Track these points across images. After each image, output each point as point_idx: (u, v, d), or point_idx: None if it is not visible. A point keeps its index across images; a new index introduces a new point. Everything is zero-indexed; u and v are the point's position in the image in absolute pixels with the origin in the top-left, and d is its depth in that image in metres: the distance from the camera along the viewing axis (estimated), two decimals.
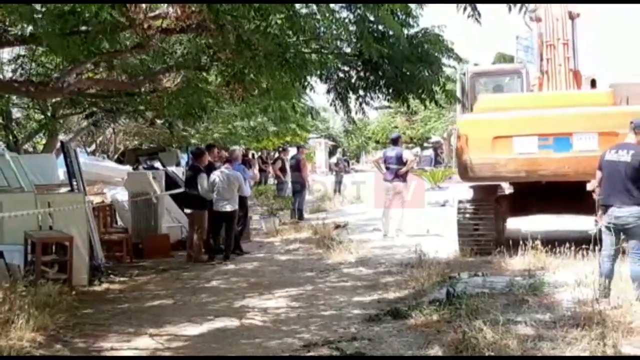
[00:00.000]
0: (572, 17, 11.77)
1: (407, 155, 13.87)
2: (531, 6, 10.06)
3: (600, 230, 7.48)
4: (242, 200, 12.18)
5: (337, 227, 14.90)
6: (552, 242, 9.26)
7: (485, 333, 5.76)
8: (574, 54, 11.43)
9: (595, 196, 7.63)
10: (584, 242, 8.38)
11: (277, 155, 23.46)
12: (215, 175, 11.55)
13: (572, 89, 10.89)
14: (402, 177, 13.41)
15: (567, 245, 8.89)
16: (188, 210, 12.03)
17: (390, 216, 13.46)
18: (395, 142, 14.11)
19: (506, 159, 9.56)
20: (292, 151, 20.33)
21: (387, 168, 13.48)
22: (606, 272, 7.14)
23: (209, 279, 10.04)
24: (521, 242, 9.39)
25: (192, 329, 7.18)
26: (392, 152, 13.61)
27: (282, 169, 19.75)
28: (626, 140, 7.25)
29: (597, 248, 7.68)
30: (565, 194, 10.21)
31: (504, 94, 12.04)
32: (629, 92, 11.17)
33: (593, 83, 11.90)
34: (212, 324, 7.36)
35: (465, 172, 9.98)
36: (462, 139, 9.94)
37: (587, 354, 5.43)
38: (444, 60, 9.03)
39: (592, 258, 7.85)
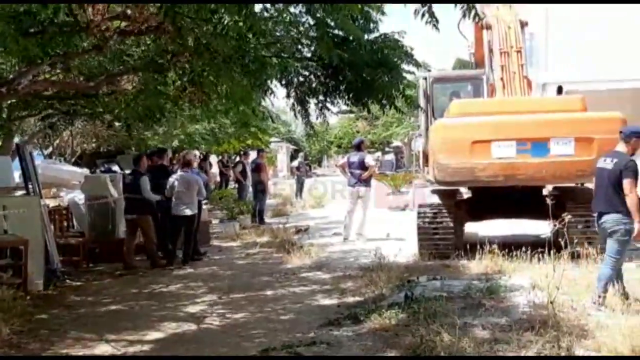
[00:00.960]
0: (522, 25, 12.00)
1: (369, 160, 13.94)
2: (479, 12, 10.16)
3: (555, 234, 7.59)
4: (198, 204, 12.07)
5: (298, 231, 14.91)
6: (509, 246, 9.38)
7: (442, 336, 5.81)
8: (525, 61, 11.63)
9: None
10: (539, 246, 8.49)
11: (237, 158, 23.34)
12: (174, 179, 11.45)
13: (526, 96, 11.07)
14: (365, 182, 13.48)
15: (523, 249, 9.03)
16: (128, 217, 11.55)
17: (352, 220, 13.51)
18: (358, 147, 14.17)
19: (485, 163, 9.62)
20: (253, 155, 20.24)
21: (351, 173, 13.55)
22: (612, 277, 7.19)
23: (167, 283, 9.93)
24: (479, 246, 9.50)
25: (150, 334, 7.10)
26: (355, 157, 13.70)
27: (243, 173, 19.67)
28: (617, 148, 7.35)
29: (552, 252, 7.82)
30: (522, 199, 10.35)
31: (479, 98, 12.17)
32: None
33: (559, 90, 12.11)
34: (169, 329, 7.29)
35: (442, 176, 9.97)
36: (439, 143, 9.95)
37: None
38: (404, 65, 9.07)
39: (547, 261, 7.95)
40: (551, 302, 6.01)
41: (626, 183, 6.91)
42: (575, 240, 7.99)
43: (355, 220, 13.46)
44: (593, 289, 7.46)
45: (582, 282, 7.80)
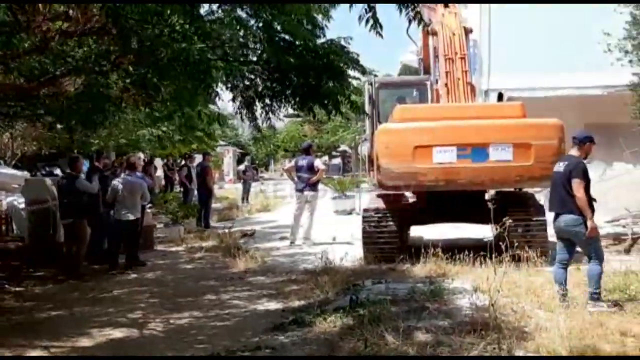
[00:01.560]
0: (467, 32, 12.21)
1: (318, 164, 13.95)
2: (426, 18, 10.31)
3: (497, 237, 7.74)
4: (142, 208, 11.88)
5: (244, 235, 14.85)
6: (452, 250, 9.52)
7: (386, 340, 5.86)
8: (469, 67, 11.84)
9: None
10: (481, 250, 8.64)
11: (183, 162, 23.10)
12: (117, 183, 11.25)
13: (469, 102, 11.26)
14: (313, 186, 13.50)
15: (466, 252, 9.18)
16: (64, 221, 11.20)
17: (299, 224, 13.51)
18: (306, 151, 14.16)
19: (426, 168, 9.72)
20: (199, 158, 20.07)
21: (299, 177, 13.53)
22: (559, 278, 7.41)
23: (109, 289, 9.76)
24: (423, 250, 9.62)
25: (90, 341, 6.98)
26: (303, 161, 13.69)
27: (188, 176, 19.47)
28: (570, 152, 7.56)
29: (493, 255, 7.98)
30: (465, 204, 10.51)
31: (422, 104, 12.30)
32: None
33: (500, 97, 12.35)
34: (110, 336, 7.17)
35: (386, 180, 10.05)
36: (382, 148, 10.00)
37: None
38: (350, 71, 9.11)
39: (489, 265, 8.08)
40: (492, 305, 6.11)
41: (574, 183, 7.14)
42: (516, 244, 8.16)
43: (302, 224, 13.47)
44: (533, 291, 7.67)
45: (522, 284, 7.96)
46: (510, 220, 7.07)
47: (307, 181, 13.41)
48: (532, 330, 6.26)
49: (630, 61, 11.69)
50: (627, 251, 10.85)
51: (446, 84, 11.32)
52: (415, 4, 5.80)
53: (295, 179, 13.68)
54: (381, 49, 61.34)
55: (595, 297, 7.14)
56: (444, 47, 11.61)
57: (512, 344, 5.75)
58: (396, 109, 10.84)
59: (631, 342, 5.98)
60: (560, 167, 7.42)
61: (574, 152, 7.50)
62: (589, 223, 7.14)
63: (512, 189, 10.71)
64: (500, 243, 6.69)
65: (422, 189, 10.27)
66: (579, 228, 7.19)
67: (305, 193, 13.42)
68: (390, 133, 10.18)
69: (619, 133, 16.32)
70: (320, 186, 14.85)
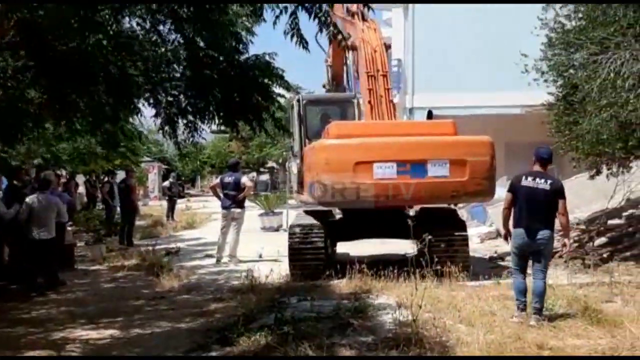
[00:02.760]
0: (386, 47, 12.37)
1: (245, 181, 13.83)
2: (345, 33, 10.42)
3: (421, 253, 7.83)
4: (61, 226, 11.52)
5: (168, 253, 14.60)
6: (378, 265, 9.61)
7: (309, 357, 5.84)
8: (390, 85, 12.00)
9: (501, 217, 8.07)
10: (404, 265, 8.74)
11: (105, 178, 22.54)
12: (31, 201, 10.81)
13: (393, 119, 11.42)
14: (239, 203, 13.38)
15: (391, 268, 9.28)
16: None
17: (225, 242, 13.36)
18: (233, 167, 14.03)
19: (367, 183, 9.75)
20: (122, 174, 19.62)
21: (225, 194, 13.37)
22: (520, 287, 7.54)
23: (28, 309, 9.40)
24: (349, 266, 9.67)
25: None
26: (230, 177, 13.52)
27: (111, 193, 18.99)
28: (535, 168, 7.67)
29: (417, 271, 8.11)
30: (389, 220, 10.61)
31: (358, 121, 12.37)
32: None
33: (430, 114, 12.57)
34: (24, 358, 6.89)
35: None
36: (322, 164, 9.97)
37: None
38: (275, 88, 9.12)
39: (412, 280, 8.18)
40: (414, 321, 6.19)
41: (562, 203, 7.43)
42: (436, 260, 8.28)
43: (228, 242, 13.33)
44: (455, 305, 7.81)
45: (445, 299, 8.10)
46: (430, 236, 7.18)
47: (234, 198, 13.28)
48: (453, 344, 6.36)
49: (546, 81, 12.12)
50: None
51: (369, 101, 11.43)
52: (333, 27, 5.87)
53: (221, 195, 13.51)
54: (310, 66, 61.77)
55: (540, 311, 7.36)
56: (365, 64, 11.71)
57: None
58: (331, 125, 10.88)
59: (547, 354, 6.16)
60: (538, 183, 7.51)
61: (538, 167, 7.66)
62: (567, 240, 7.64)
63: (439, 205, 10.85)
64: (421, 259, 6.79)
65: (363, 205, 10.27)
66: (550, 243, 7.51)
67: (232, 210, 13.29)
68: (329, 149, 10.19)
69: None
70: (247, 203, 14.74)
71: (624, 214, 14.25)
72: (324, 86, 15.96)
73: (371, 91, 11.47)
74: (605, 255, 11.77)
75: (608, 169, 12.05)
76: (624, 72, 10.06)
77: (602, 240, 12.98)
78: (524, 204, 7.54)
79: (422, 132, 10.59)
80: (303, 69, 77.42)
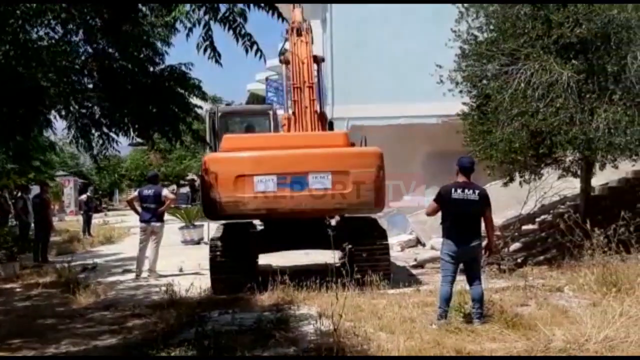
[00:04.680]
0: (317, 61, 12.50)
1: (167, 193, 13.50)
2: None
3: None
4: None
5: (85, 269, 14.18)
6: (300, 276, 9.60)
7: None
8: (320, 96, 12.12)
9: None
10: (326, 275, 8.77)
11: (18, 193, 21.69)
12: None
13: (317, 130, 11.49)
14: (159, 217, 13.08)
15: (313, 278, 9.29)
16: None
17: (144, 256, 13.05)
18: (152, 180, 13.71)
19: (248, 197, 9.81)
20: (36, 189, 18.93)
21: (144, 208, 13.04)
22: (447, 296, 7.63)
23: None
24: (271, 278, 9.62)
25: None
26: (149, 190, 13.16)
27: (24, 209, 18.28)
28: (459, 179, 7.79)
29: (339, 280, 8.14)
30: (310, 230, 10.65)
31: (247, 134, 12.35)
32: (366, 132, 12.13)
33: (330, 125, 12.67)
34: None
35: (211, 210, 10.13)
36: (212, 177, 9.97)
37: None
38: (192, 99, 9.00)
39: (334, 289, 8.21)
40: (335, 330, 6.20)
41: (489, 212, 7.72)
42: (357, 269, 8.32)
43: (148, 256, 13.03)
44: (376, 313, 7.88)
45: (366, 308, 8.16)
46: (349, 246, 7.22)
47: (154, 212, 12.97)
48: (374, 352, 6.42)
49: (461, 92, 12.46)
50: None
51: (294, 113, 11.52)
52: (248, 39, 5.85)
53: (139, 209, 13.17)
54: (232, 79, 61.53)
55: (482, 314, 7.55)
56: (293, 76, 11.81)
57: None
58: (224, 138, 10.90)
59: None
60: (468, 195, 7.63)
61: (461, 178, 7.79)
62: (493, 243, 8.08)
63: (362, 215, 10.92)
64: (342, 268, 6.83)
65: (246, 218, 10.48)
66: (481, 250, 7.81)
67: (152, 224, 12.97)
68: (214, 162, 10.23)
69: (455, 160, 17.16)
70: (167, 216, 14.46)
71: (537, 219, 14.78)
72: None
73: (296, 102, 11.57)
74: (519, 260, 12.16)
75: (521, 176, 12.44)
76: (533, 82, 10.47)
77: (516, 245, 13.42)
78: (456, 216, 7.70)
79: (312, 144, 10.55)
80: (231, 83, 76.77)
